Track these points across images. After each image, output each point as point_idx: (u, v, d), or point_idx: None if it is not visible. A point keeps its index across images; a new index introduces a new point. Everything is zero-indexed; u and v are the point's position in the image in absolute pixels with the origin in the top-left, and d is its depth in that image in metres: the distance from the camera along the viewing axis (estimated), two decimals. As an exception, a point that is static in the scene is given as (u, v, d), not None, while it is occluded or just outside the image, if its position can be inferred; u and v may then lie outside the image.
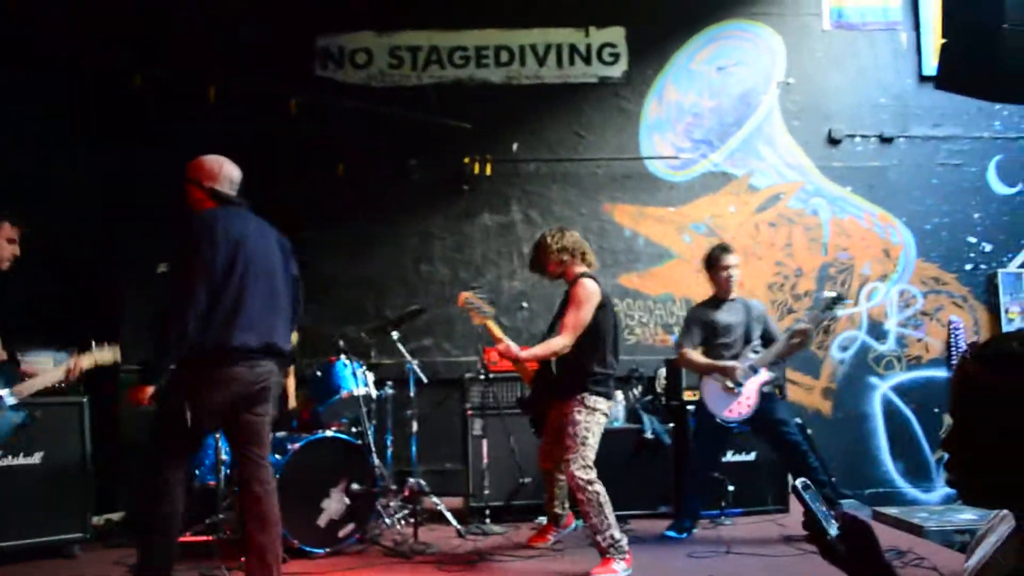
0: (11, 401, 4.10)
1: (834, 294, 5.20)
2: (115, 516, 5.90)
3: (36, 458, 4.82)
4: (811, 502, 1.60)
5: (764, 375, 5.06)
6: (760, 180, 7.44)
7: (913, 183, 7.49)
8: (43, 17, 5.77)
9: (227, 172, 3.85)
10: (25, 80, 5.86)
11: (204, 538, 4.90)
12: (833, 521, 1.59)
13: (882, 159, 7.49)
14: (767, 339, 5.21)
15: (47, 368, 4.25)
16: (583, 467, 4.33)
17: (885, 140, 7.50)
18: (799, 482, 1.63)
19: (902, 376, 7.30)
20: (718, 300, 5.27)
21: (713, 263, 5.25)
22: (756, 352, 5.10)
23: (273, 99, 6.77)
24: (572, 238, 4.77)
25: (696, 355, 5.21)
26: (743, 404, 5.03)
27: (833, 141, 7.47)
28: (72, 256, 5.80)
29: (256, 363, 3.61)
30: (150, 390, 3.53)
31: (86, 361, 4.22)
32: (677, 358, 5.45)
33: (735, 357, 5.10)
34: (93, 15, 6.26)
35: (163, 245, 6.20)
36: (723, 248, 5.29)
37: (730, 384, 5.02)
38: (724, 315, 5.21)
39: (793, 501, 5.64)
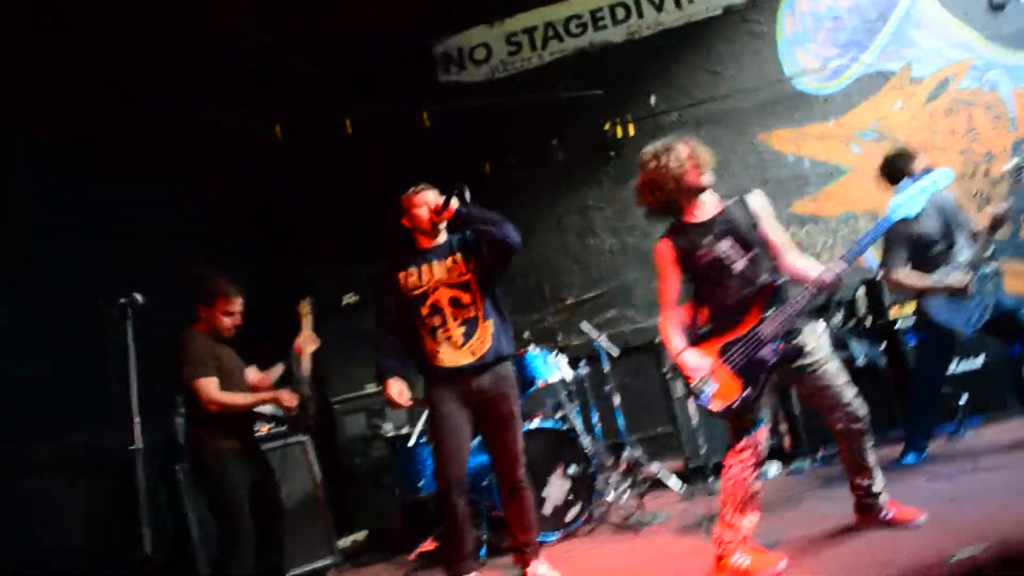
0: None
1: (1014, 163, 4.56)
2: (359, 536, 6.24)
3: (278, 498, 5.14)
4: None
5: (989, 269, 4.60)
6: (922, 69, 6.88)
7: (1102, 24, 6.68)
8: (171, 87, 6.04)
9: None
10: (181, 159, 6.20)
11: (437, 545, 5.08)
12: None
13: (1057, 10, 6.74)
14: (971, 232, 4.75)
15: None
16: None
17: (1056, -13, 6.74)
18: None
19: None
20: None
21: (900, 171, 4.75)
22: (963, 253, 4.63)
23: (405, 116, 6.90)
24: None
25: (912, 276, 4.68)
26: (979, 307, 4.55)
27: (996, 6, 6.77)
28: (260, 299, 6.11)
29: None
30: None
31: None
32: (889, 282, 4.85)
33: (947, 263, 4.66)
34: (218, 79, 6.53)
35: (343, 276, 6.54)
36: (907, 154, 4.78)
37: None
38: (924, 224, 4.62)
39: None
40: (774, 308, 3.54)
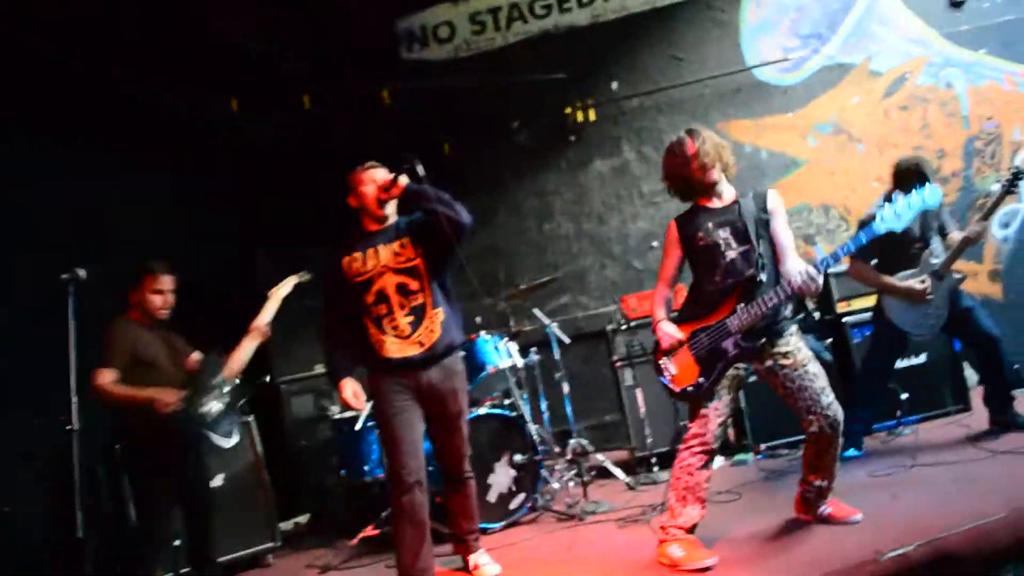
0: (226, 388, 4.27)
1: (1011, 172, 4.51)
2: (302, 519, 6.20)
3: (219, 480, 5.07)
4: None
5: (952, 279, 4.67)
6: (881, 63, 6.92)
7: (1055, 29, 6.77)
8: (141, 74, 5.91)
9: None
10: (118, 131, 6.06)
11: (384, 531, 5.07)
12: None
13: (1015, 11, 6.78)
14: (943, 232, 4.78)
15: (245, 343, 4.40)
16: None
17: (1015, -11, 6.80)
18: None
19: (1077, 244, 6.66)
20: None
21: (918, 180, 4.42)
22: (936, 256, 4.70)
23: (366, 93, 6.79)
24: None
25: (872, 272, 4.77)
26: (933, 315, 4.66)
27: (955, 4, 6.82)
28: (211, 277, 6.01)
29: None
30: None
31: (282, 290, 4.57)
32: (851, 270, 4.96)
33: (918, 263, 4.69)
34: (174, 51, 6.37)
35: (294, 256, 6.46)
36: (925, 164, 4.77)
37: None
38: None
39: (975, 398, 5.28)
40: (746, 303, 3.61)
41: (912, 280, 4.67)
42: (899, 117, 6.87)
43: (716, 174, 3.72)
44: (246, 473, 5.24)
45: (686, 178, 3.76)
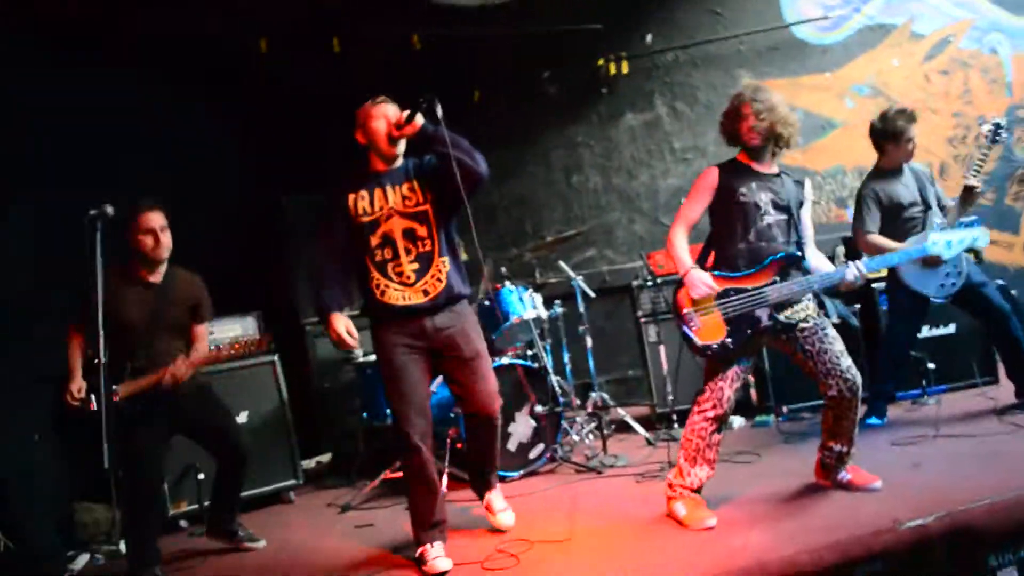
0: None
1: (990, 125, 4.54)
2: (324, 458, 6.29)
3: (243, 417, 5.16)
4: None
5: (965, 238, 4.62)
6: (923, 25, 6.76)
7: (1109, -5, 6.59)
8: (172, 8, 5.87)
9: None
10: (158, 61, 6.04)
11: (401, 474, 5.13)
12: None
13: (1067, -25, 6.62)
14: (938, 203, 4.76)
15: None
16: None
17: (1068, -48, 6.61)
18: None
19: (1116, 216, 6.58)
20: (892, 171, 4.80)
21: (897, 134, 4.70)
22: (939, 220, 4.66)
23: (397, 38, 6.70)
24: None
25: (884, 240, 4.70)
26: (952, 274, 4.62)
27: (1005, -35, 6.65)
28: (238, 221, 6.02)
29: None
30: None
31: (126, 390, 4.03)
32: (861, 243, 4.87)
33: (921, 228, 4.68)
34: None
35: (320, 202, 6.47)
36: (909, 117, 4.71)
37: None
38: (902, 187, 4.75)
39: (1002, 370, 5.25)
40: (787, 278, 3.63)
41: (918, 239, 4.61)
42: (939, 81, 6.73)
43: (761, 141, 3.69)
44: (270, 412, 5.33)
45: (733, 131, 3.76)
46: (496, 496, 4.09)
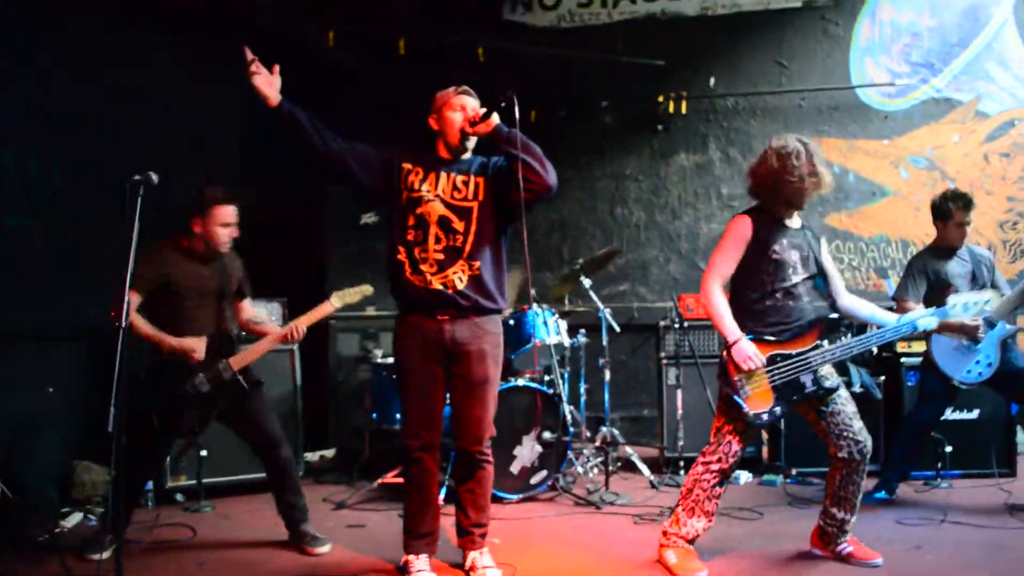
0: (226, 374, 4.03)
1: None
2: (328, 453, 6.33)
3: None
4: None
5: (1004, 328, 4.55)
6: (990, 105, 6.67)
7: None
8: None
9: None
10: (223, 46, 6.15)
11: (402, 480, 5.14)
12: None
13: None
14: (995, 286, 4.69)
15: (262, 340, 4.16)
16: None
17: None
18: None
19: None
20: (947, 250, 4.73)
21: (947, 215, 4.68)
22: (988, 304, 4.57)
23: (462, 47, 6.76)
24: None
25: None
26: (982, 363, 4.55)
27: (1081, 56, 6.55)
28: (279, 209, 6.09)
29: None
30: None
31: (304, 323, 4.15)
32: (899, 310, 4.68)
33: None
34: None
35: (364, 197, 6.52)
36: (965, 203, 4.66)
37: (966, 342, 4.56)
38: (955, 266, 4.70)
39: (1022, 463, 5.14)
40: (828, 340, 3.59)
41: (966, 318, 4.52)
42: (998, 163, 6.63)
43: (805, 202, 3.67)
44: (281, 400, 5.36)
45: (783, 190, 3.61)
46: (482, 555, 3.69)
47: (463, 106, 3.58)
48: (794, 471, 5.32)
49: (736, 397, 3.59)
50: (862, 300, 3.81)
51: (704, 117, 7.14)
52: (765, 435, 5.62)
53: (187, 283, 4.00)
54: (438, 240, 3.49)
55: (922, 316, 3.69)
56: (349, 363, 6.22)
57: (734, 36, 7.06)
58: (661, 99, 7.05)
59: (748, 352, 3.56)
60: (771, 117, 7.01)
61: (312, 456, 6.11)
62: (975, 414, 5.22)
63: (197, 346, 3.94)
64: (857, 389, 5.28)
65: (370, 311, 6.24)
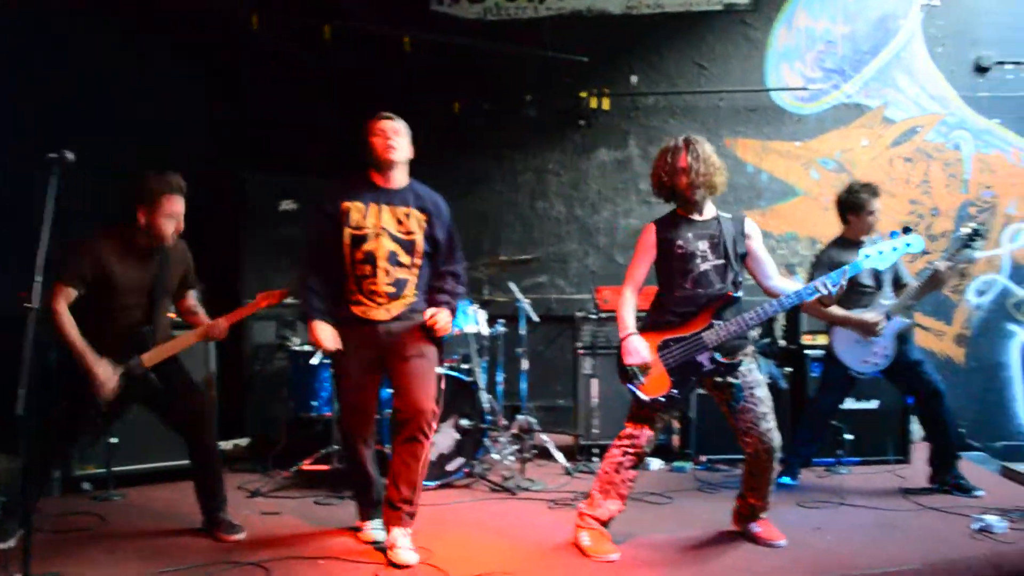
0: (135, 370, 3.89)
1: (970, 228, 4.66)
2: (243, 442, 6.24)
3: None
4: None
5: (899, 322, 4.76)
6: (896, 112, 6.97)
7: (1069, 114, 6.85)
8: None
9: None
10: (143, 26, 6.04)
11: (319, 467, 5.16)
12: None
13: (1037, 88, 6.88)
14: (897, 282, 4.90)
15: (181, 335, 4.04)
16: None
17: (1040, 67, 6.88)
18: None
19: (1046, 324, 6.81)
20: (853, 243, 4.88)
21: (859, 206, 4.85)
22: (887, 298, 4.79)
23: (387, 36, 6.74)
24: None
25: (830, 306, 4.78)
26: (879, 355, 4.76)
27: (980, 69, 6.87)
28: (195, 194, 5.97)
29: None
30: None
31: (226, 322, 4.09)
32: (805, 305, 4.78)
33: (869, 304, 4.80)
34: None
35: (284, 184, 6.46)
36: (872, 191, 4.86)
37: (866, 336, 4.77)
38: (852, 256, 4.84)
39: (915, 451, 5.40)
40: (723, 319, 3.70)
41: (866, 313, 4.74)
42: (902, 168, 6.93)
43: (700, 194, 3.77)
44: (195, 387, 5.25)
45: (671, 186, 3.81)
46: (403, 535, 3.72)
47: (382, 130, 3.76)
48: (704, 458, 5.49)
49: (630, 386, 3.75)
50: (791, 281, 3.95)
51: (625, 114, 7.26)
52: (676, 424, 5.76)
53: (124, 280, 3.86)
54: (387, 273, 3.73)
55: (836, 272, 3.72)
56: (266, 351, 6.14)
57: (657, 36, 7.20)
58: (584, 95, 7.14)
59: (631, 348, 3.73)
60: (690, 116, 7.18)
61: (227, 445, 6.01)
62: (874, 404, 5.45)
63: (108, 382, 3.77)
64: (766, 380, 5.49)
65: (288, 300, 6.15)
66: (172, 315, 4.29)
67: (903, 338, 4.81)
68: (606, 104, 7.17)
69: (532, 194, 7.32)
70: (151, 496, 4.84)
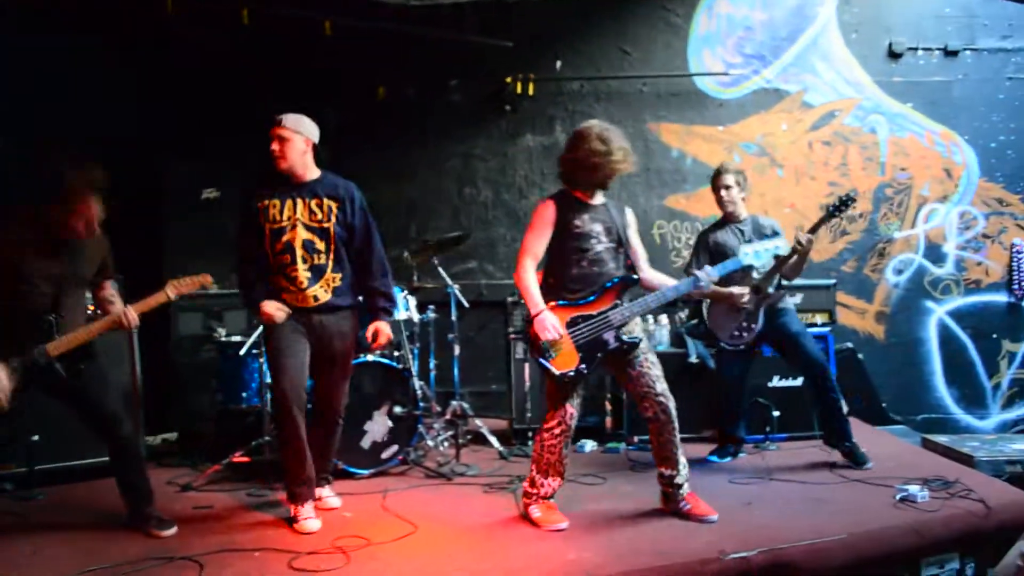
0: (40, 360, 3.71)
1: (842, 195, 4.80)
2: (171, 436, 6.07)
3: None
4: None
5: (769, 295, 4.86)
6: (814, 97, 7.15)
7: (978, 99, 7.13)
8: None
9: None
10: (58, 12, 5.81)
11: (250, 459, 5.05)
12: None
13: (946, 73, 7.13)
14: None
15: (88, 326, 3.83)
16: None
17: (949, 53, 7.12)
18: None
19: (959, 301, 7.08)
20: (724, 221, 5.06)
21: (714, 188, 5.02)
22: (759, 273, 4.88)
23: (309, 20, 6.60)
24: None
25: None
26: (746, 328, 4.89)
27: (894, 55, 7.11)
28: (115, 182, 5.78)
29: None
30: None
31: (136, 310, 3.88)
32: None
33: (740, 281, 4.89)
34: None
35: (205, 171, 6.30)
36: (716, 172, 5.02)
37: (736, 308, 4.89)
38: (727, 236, 4.97)
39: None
40: (627, 300, 3.90)
41: (735, 288, 4.87)
42: (821, 151, 7.12)
43: (608, 180, 3.97)
44: (119, 381, 5.05)
45: (592, 171, 3.91)
46: (325, 490, 4.36)
47: (272, 137, 4.03)
48: (636, 439, 5.55)
49: (542, 360, 3.87)
50: (659, 274, 4.12)
51: (551, 99, 7.28)
52: (609, 406, 5.83)
53: (37, 272, 3.70)
54: (305, 261, 4.06)
55: (702, 273, 3.99)
56: (191, 343, 5.97)
57: (580, 21, 7.23)
58: (509, 80, 7.13)
59: (547, 324, 3.84)
60: (614, 101, 7.23)
61: (154, 440, 5.85)
62: (799, 381, 5.57)
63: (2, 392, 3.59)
64: (693, 360, 5.62)
65: (214, 289, 6.00)
66: (92, 308, 4.16)
67: (778, 311, 4.93)
68: (531, 89, 7.18)
69: (459, 180, 7.29)
70: (77, 494, 4.67)
